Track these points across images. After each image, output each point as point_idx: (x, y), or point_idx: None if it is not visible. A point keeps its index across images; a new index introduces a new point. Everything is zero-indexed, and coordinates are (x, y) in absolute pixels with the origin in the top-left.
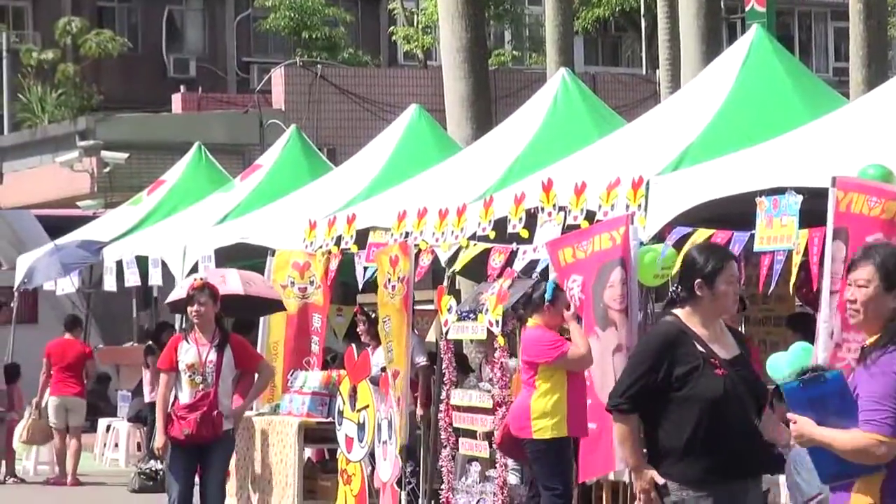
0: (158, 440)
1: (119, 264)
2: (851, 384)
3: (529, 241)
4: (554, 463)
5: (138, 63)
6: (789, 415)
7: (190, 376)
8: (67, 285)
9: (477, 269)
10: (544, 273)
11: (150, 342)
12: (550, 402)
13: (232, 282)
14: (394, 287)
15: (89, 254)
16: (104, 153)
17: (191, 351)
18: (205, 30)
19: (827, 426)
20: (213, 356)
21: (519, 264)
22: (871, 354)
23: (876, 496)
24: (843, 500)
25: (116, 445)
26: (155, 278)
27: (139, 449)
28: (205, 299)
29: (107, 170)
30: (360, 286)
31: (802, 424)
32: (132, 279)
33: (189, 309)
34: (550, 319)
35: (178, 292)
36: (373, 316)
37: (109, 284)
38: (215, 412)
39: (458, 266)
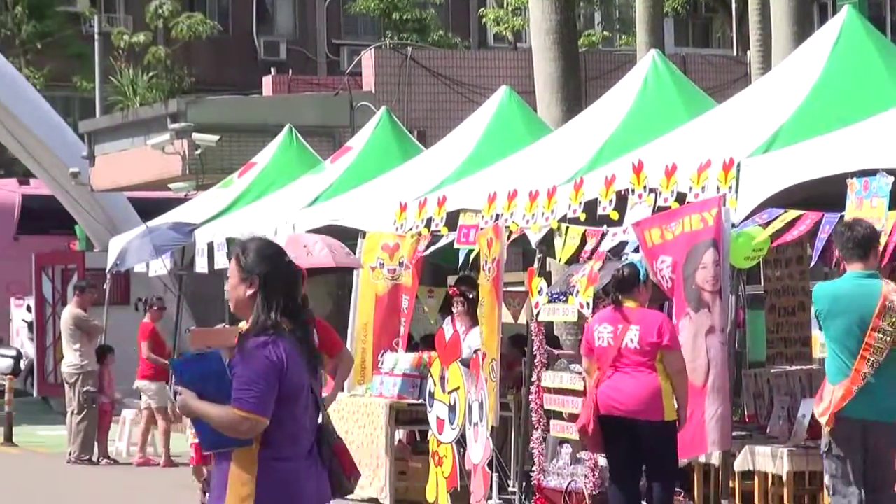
0: None
1: (210, 246)
2: (235, 365)
3: (619, 222)
4: (675, 445)
5: (229, 46)
6: (177, 387)
7: None
8: (159, 267)
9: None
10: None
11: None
12: (669, 384)
13: (319, 252)
14: (489, 269)
15: (181, 236)
16: (195, 135)
17: None
18: (295, 12)
19: (208, 400)
20: None
21: (608, 246)
22: (246, 341)
23: (252, 466)
24: (224, 468)
25: None
26: None
27: None
28: None
29: (198, 152)
30: (459, 268)
31: (186, 396)
32: (223, 261)
33: None
34: (644, 300)
35: None
36: (470, 297)
37: (201, 266)
38: None
39: (563, 256)
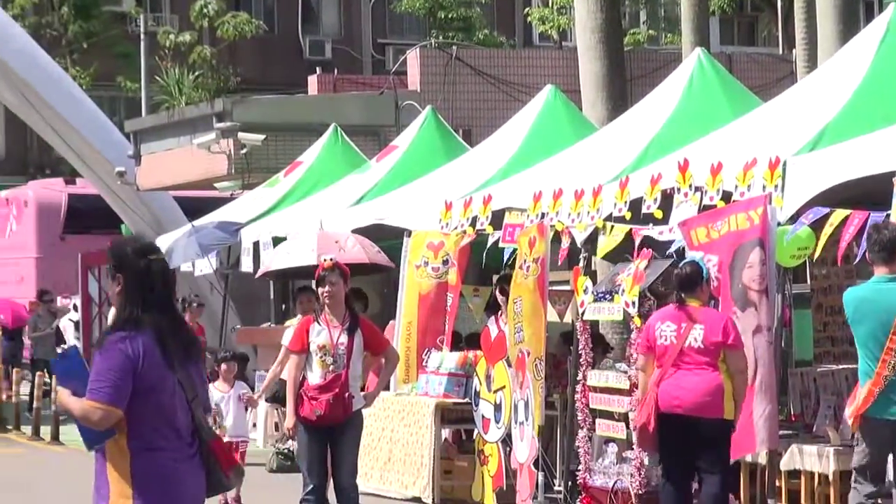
0: (289, 421)
1: (256, 245)
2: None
3: (664, 221)
4: (730, 445)
5: (274, 45)
6: (56, 385)
7: (321, 357)
8: (205, 266)
9: (613, 250)
10: (679, 253)
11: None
12: (731, 384)
13: (352, 249)
14: (528, 268)
15: (227, 235)
16: (241, 135)
17: (322, 333)
18: (340, 11)
19: (78, 396)
20: (343, 338)
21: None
22: (106, 336)
23: (124, 459)
24: (102, 464)
25: (254, 425)
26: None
27: (276, 429)
28: (335, 279)
29: (243, 151)
30: (503, 267)
31: (60, 393)
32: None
33: (320, 290)
34: (706, 299)
35: (282, 260)
36: None
37: (246, 265)
38: (347, 394)
39: (600, 252)
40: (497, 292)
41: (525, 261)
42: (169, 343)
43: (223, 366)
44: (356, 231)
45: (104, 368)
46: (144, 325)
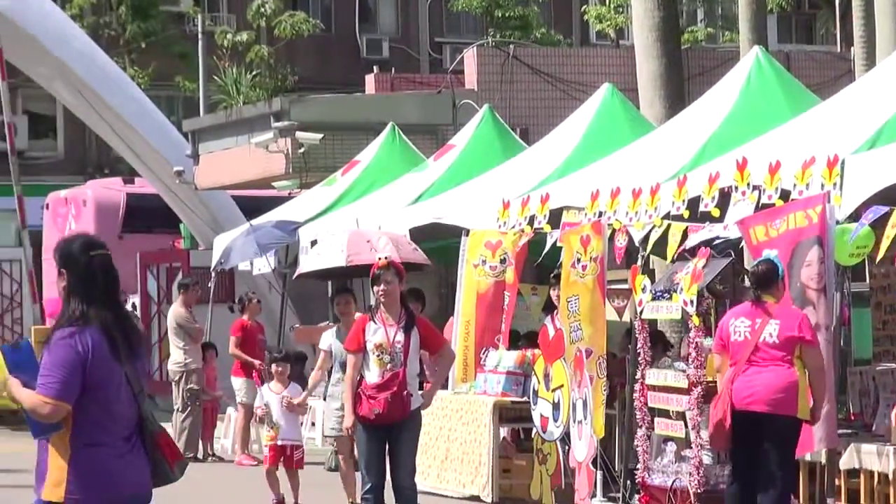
0: (347, 420)
1: (314, 244)
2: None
3: (720, 219)
4: (796, 444)
5: (331, 44)
6: (7, 375)
7: (378, 356)
8: (263, 265)
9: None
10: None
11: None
12: (805, 381)
13: (384, 248)
14: (584, 266)
15: (285, 234)
16: (299, 134)
17: (379, 331)
18: (398, 10)
19: (29, 387)
20: (400, 337)
21: (693, 242)
22: (55, 332)
23: (65, 451)
24: (44, 455)
25: (313, 424)
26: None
27: None
28: (391, 278)
29: (301, 150)
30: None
31: (11, 385)
32: None
33: (375, 288)
34: (781, 295)
35: (313, 262)
36: None
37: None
38: (405, 392)
39: (648, 247)
40: (551, 291)
41: (579, 259)
42: (116, 337)
43: (275, 366)
44: (413, 230)
45: (54, 363)
46: (91, 319)
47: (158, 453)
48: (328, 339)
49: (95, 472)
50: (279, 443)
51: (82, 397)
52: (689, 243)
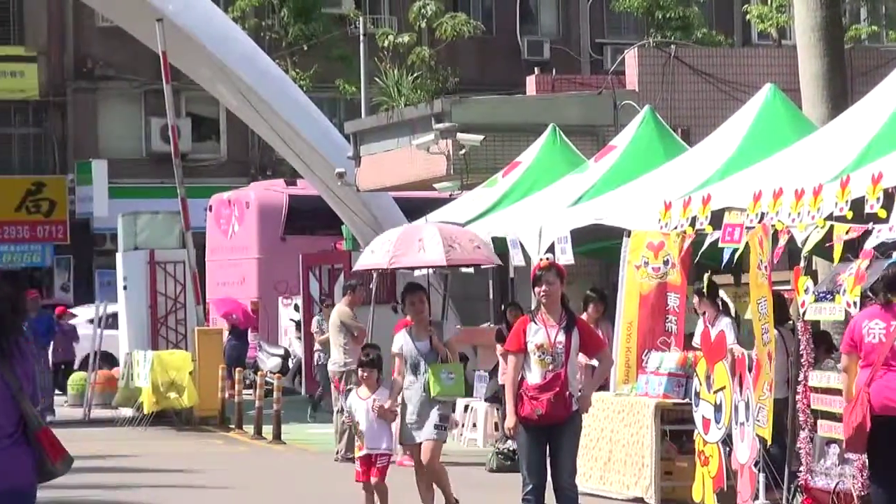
0: (509, 421)
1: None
2: None
3: (886, 220)
4: None
5: (492, 45)
6: None
7: (539, 357)
8: None
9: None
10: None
11: (499, 328)
12: None
13: (432, 250)
14: (766, 268)
15: None
16: (460, 135)
17: (540, 332)
18: (559, 11)
19: None
20: (561, 337)
21: (871, 243)
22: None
23: None
24: None
25: (474, 425)
26: (516, 259)
27: (496, 429)
28: (552, 279)
29: (462, 152)
30: (722, 266)
31: None
32: None
33: (536, 289)
34: None
35: (369, 259)
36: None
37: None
38: (567, 392)
39: (807, 249)
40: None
41: (761, 260)
42: None
43: (362, 371)
44: (574, 231)
45: None
46: None
47: (39, 449)
48: (399, 340)
49: None
50: (364, 452)
51: None
52: (869, 244)
